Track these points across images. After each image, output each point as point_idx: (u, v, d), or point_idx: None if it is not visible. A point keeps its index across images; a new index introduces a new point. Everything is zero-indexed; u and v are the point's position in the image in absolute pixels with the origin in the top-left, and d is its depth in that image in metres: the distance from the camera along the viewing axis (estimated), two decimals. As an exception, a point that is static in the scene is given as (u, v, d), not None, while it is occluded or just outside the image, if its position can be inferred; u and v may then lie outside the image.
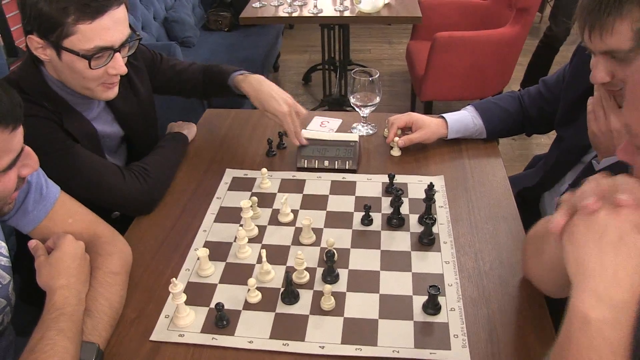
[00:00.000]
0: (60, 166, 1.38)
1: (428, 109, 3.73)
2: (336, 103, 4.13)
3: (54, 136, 1.41)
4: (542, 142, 3.76)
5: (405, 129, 1.75)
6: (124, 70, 1.42)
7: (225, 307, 1.19)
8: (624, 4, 1.14)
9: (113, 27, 1.35)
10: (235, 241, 1.39)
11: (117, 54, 1.40)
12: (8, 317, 1.24)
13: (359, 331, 1.15)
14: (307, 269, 1.29)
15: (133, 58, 1.65)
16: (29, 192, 1.24)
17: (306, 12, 3.47)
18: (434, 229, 1.42)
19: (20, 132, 1.03)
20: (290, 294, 1.23)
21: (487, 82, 3.56)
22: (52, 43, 1.33)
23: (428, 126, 1.71)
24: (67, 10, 1.28)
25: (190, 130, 1.85)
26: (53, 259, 1.17)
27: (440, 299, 1.21)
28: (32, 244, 1.21)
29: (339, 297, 1.23)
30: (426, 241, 1.38)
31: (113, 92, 1.48)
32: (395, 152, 1.74)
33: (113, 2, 1.34)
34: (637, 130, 0.79)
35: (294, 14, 3.47)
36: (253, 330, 1.17)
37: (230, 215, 1.51)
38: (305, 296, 1.24)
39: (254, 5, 3.61)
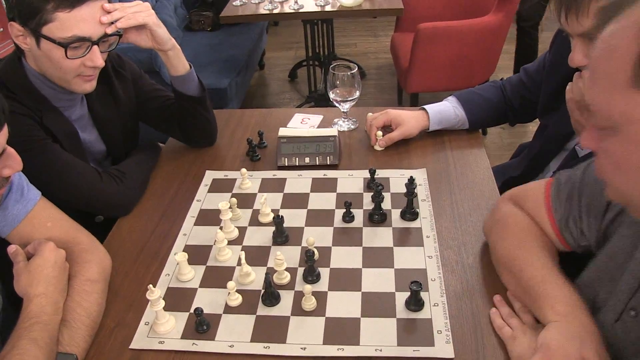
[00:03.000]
0: (38, 164, 1.39)
1: (414, 101, 3.71)
2: (322, 99, 4.11)
3: (32, 133, 1.41)
4: (531, 130, 3.74)
5: (386, 127, 1.73)
6: (100, 63, 1.43)
7: (206, 311, 1.17)
8: None
9: (91, 18, 1.37)
10: (214, 244, 1.37)
11: (95, 47, 1.41)
12: None
13: (341, 331, 1.14)
14: (287, 269, 1.27)
15: (119, 66, 1.67)
16: (10, 191, 1.24)
17: (287, 9, 3.44)
18: (416, 224, 1.40)
19: (2, 134, 1.04)
20: (270, 295, 1.21)
21: (473, 71, 3.54)
22: (31, 30, 1.35)
23: (407, 122, 1.69)
24: None
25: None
26: (32, 265, 1.15)
27: (424, 295, 1.19)
28: (11, 249, 1.20)
29: (321, 297, 1.21)
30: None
31: (90, 85, 1.48)
32: (378, 147, 1.72)
33: None
34: (596, 109, 0.79)
35: (275, 11, 3.45)
36: (234, 334, 1.15)
37: (210, 217, 1.48)
38: (287, 297, 1.22)
39: (234, 3, 3.58)
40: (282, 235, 1.38)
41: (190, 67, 1.65)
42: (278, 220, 1.37)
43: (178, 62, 1.61)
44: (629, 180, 0.81)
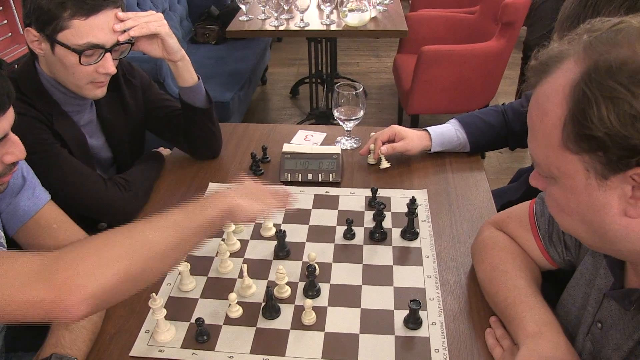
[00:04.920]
0: (44, 167, 1.41)
1: (415, 122, 3.74)
2: (323, 116, 4.14)
3: (41, 137, 1.44)
4: (528, 156, 3.77)
5: (389, 142, 1.75)
6: (113, 70, 1.46)
7: (206, 322, 1.18)
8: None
9: (106, 27, 1.41)
10: (217, 255, 1.38)
11: (108, 54, 1.44)
12: None
13: (340, 346, 1.15)
14: (288, 283, 1.28)
15: (130, 75, 1.69)
16: (23, 187, 1.28)
17: (293, 26, 3.47)
18: (416, 243, 1.42)
19: (5, 119, 1.05)
20: (271, 308, 1.22)
21: (474, 95, 3.58)
22: (47, 36, 1.39)
23: (410, 137, 1.72)
24: (65, 5, 1.35)
25: (167, 153, 1.89)
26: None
27: (422, 313, 1.20)
28: None
29: (320, 312, 1.23)
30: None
31: (102, 91, 1.52)
32: (384, 164, 1.73)
33: (109, 3, 1.40)
34: (537, 161, 0.86)
35: (281, 28, 3.48)
36: (234, 345, 1.16)
37: (212, 229, 1.50)
38: (287, 311, 1.24)
39: (240, 18, 3.61)
40: (284, 250, 1.40)
41: (199, 78, 1.67)
42: (281, 235, 1.38)
43: (187, 73, 1.64)
44: (572, 222, 0.87)
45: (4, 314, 0.83)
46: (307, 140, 1.92)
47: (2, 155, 1.10)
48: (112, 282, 0.86)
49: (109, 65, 1.45)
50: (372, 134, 1.79)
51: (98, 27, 1.39)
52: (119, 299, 0.91)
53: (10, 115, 1.07)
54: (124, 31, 1.45)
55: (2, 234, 1.25)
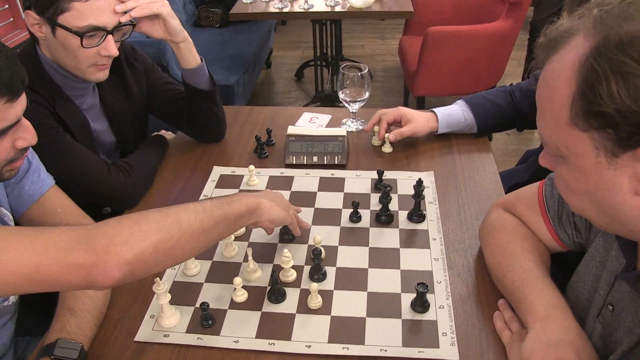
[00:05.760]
0: (48, 152, 1.39)
1: (421, 105, 3.71)
2: (328, 99, 4.11)
3: (44, 121, 1.42)
4: (536, 137, 3.74)
5: (395, 124, 1.73)
6: (115, 52, 1.44)
7: (211, 306, 1.17)
8: None
9: (107, 8, 1.39)
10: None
11: (110, 36, 1.42)
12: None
13: (346, 330, 1.14)
14: (294, 267, 1.27)
15: (132, 58, 1.68)
16: (28, 171, 1.28)
17: (297, 8, 3.44)
18: (423, 226, 1.40)
19: (18, 104, 1.05)
20: (276, 292, 1.21)
21: (480, 76, 3.54)
22: (47, 20, 1.37)
23: (417, 119, 1.69)
24: None
25: (170, 136, 1.87)
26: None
27: (429, 297, 1.19)
28: None
29: (326, 296, 1.21)
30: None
31: (104, 74, 1.50)
32: (387, 149, 1.72)
33: None
34: (546, 140, 0.85)
35: (285, 10, 3.45)
36: (239, 330, 1.15)
37: (217, 213, 1.48)
38: (292, 295, 1.23)
39: (244, 1, 3.58)
40: (289, 233, 1.38)
41: (202, 60, 1.65)
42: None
43: (189, 55, 1.62)
44: (582, 202, 0.86)
45: (48, 278, 0.88)
46: (312, 123, 1.90)
47: (14, 140, 1.10)
48: (146, 252, 0.92)
49: (111, 47, 1.43)
50: (378, 111, 1.76)
51: (99, 9, 1.37)
52: (148, 271, 0.97)
53: (23, 100, 1.07)
54: (125, 12, 1.43)
55: (11, 217, 1.25)
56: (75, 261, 0.87)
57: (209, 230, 1.04)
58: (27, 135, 1.11)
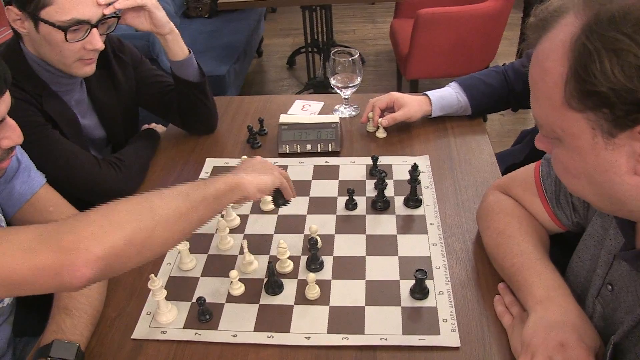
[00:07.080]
0: (37, 150, 1.38)
1: (414, 88, 3.69)
2: (321, 86, 4.08)
3: (31, 119, 1.41)
4: (531, 117, 3.72)
5: (388, 110, 1.71)
6: (100, 46, 1.42)
7: (208, 300, 1.16)
8: None
9: (90, 1, 1.36)
10: (216, 232, 1.35)
11: (94, 30, 1.40)
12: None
13: (346, 320, 1.12)
14: (290, 257, 1.25)
15: (120, 51, 1.66)
16: (18, 170, 1.26)
17: (286, -6, 3.41)
18: (420, 211, 1.39)
19: (2, 103, 1.03)
20: (273, 284, 1.20)
21: (473, 57, 3.51)
22: (29, 15, 1.34)
23: (410, 104, 1.68)
24: None
25: (162, 130, 1.85)
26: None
27: (428, 283, 1.18)
28: None
29: (324, 286, 1.20)
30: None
31: (91, 68, 1.48)
32: (381, 134, 1.71)
33: None
34: (541, 122, 0.83)
35: (273, -4, 3.41)
36: (237, 324, 1.14)
37: (211, 205, 1.46)
38: (290, 286, 1.21)
39: (232, -11, 3.54)
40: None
41: (190, 52, 1.63)
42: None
43: (177, 47, 1.59)
44: (580, 184, 0.84)
45: (13, 282, 0.83)
46: (304, 110, 1.88)
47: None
48: (118, 245, 0.86)
49: (96, 40, 1.40)
50: (370, 100, 1.75)
51: (82, 2, 1.35)
52: (126, 266, 0.90)
53: (7, 99, 1.05)
54: (109, 4, 1.40)
55: (3, 218, 1.24)
56: (40, 263, 0.82)
57: (186, 214, 0.97)
58: (13, 134, 1.09)
